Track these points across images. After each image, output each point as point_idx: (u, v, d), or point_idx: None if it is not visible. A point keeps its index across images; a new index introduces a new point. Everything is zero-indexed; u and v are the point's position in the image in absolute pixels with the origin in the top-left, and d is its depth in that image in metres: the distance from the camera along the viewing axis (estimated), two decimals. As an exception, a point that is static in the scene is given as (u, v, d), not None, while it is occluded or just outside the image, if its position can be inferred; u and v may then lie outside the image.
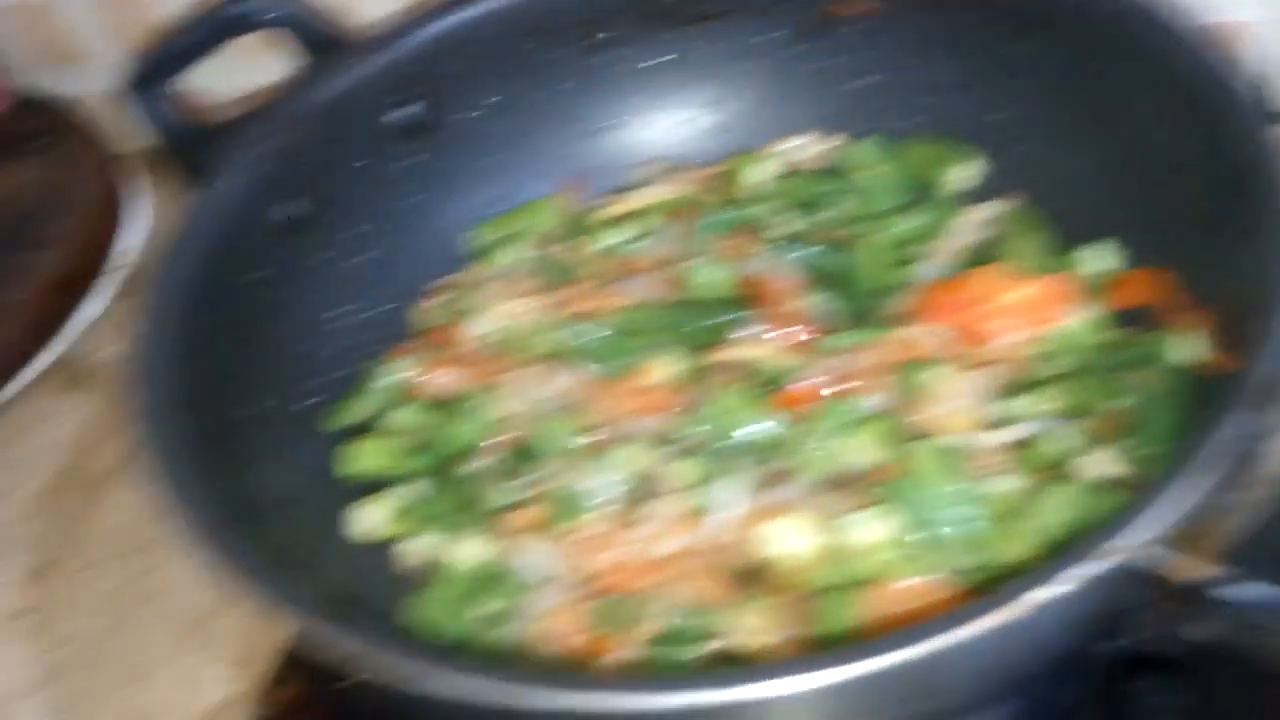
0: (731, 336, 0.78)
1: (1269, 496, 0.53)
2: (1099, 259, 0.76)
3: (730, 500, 0.66)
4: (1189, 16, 0.72)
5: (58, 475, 1.02)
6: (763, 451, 0.71)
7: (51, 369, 1.10)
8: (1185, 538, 0.50)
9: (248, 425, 0.72)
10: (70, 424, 1.06)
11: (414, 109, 0.87)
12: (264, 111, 0.83)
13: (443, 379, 0.78)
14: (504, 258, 0.87)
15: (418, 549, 0.74)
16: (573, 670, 0.64)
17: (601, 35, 0.91)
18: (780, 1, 0.90)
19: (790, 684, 0.48)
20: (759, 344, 0.77)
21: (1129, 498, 0.62)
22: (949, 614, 0.46)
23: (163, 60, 0.83)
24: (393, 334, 0.86)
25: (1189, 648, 0.51)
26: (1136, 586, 0.50)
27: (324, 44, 0.88)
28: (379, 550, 0.75)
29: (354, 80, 0.84)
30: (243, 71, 1.16)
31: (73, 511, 0.98)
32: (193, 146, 0.82)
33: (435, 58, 0.87)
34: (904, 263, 0.83)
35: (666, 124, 0.95)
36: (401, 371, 0.80)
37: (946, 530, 0.64)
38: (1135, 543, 0.47)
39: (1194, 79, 0.70)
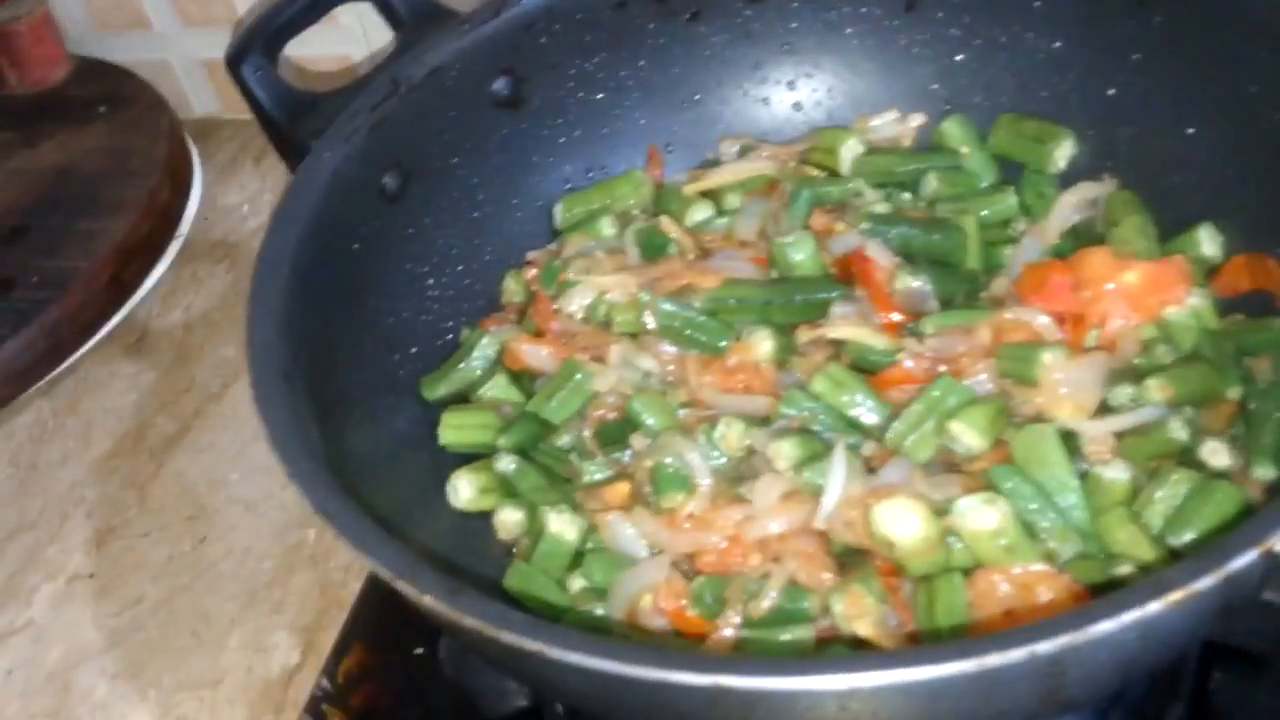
0: (828, 315, 0.78)
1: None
2: (1206, 241, 0.75)
3: (838, 480, 0.65)
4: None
5: (121, 441, 1.04)
6: (864, 433, 0.71)
7: (116, 334, 1.12)
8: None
9: (350, 390, 0.73)
10: (134, 390, 1.08)
11: (507, 81, 0.88)
12: (365, 83, 0.84)
13: (538, 352, 0.78)
14: (597, 229, 0.88)
15: (512, 521, 0.75)
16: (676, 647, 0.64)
17: (693, 8, 0.91)
18: (873, -25, 0.89)
19: (907, 674, 0.47)
20: (856, 323, 0.76)
21: (1239, 491, 0.62)
22: (1099, 603, 0.46)
23: (264, 31, 0.84)
24: (484, 304, 0.87)
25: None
26: (1268, 575, 0.50)
27: (419, 17, 0.90)
28: (481, 520, 0.77)
29: (452, 52, 0.85)
30: (333, 44, 1.18)
31: (135, 477, 1.00)
32: (294, 117, 0.82)
33: (529, 31, 0.88)
34: (1002, 243, 0.83)
35: (749, 99, 0.95)
36: (497, 342, 0.81)
37: (1055, 518, 0.64)
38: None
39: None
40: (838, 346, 0.77)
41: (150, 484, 1.00)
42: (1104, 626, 0.45)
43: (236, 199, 1.25)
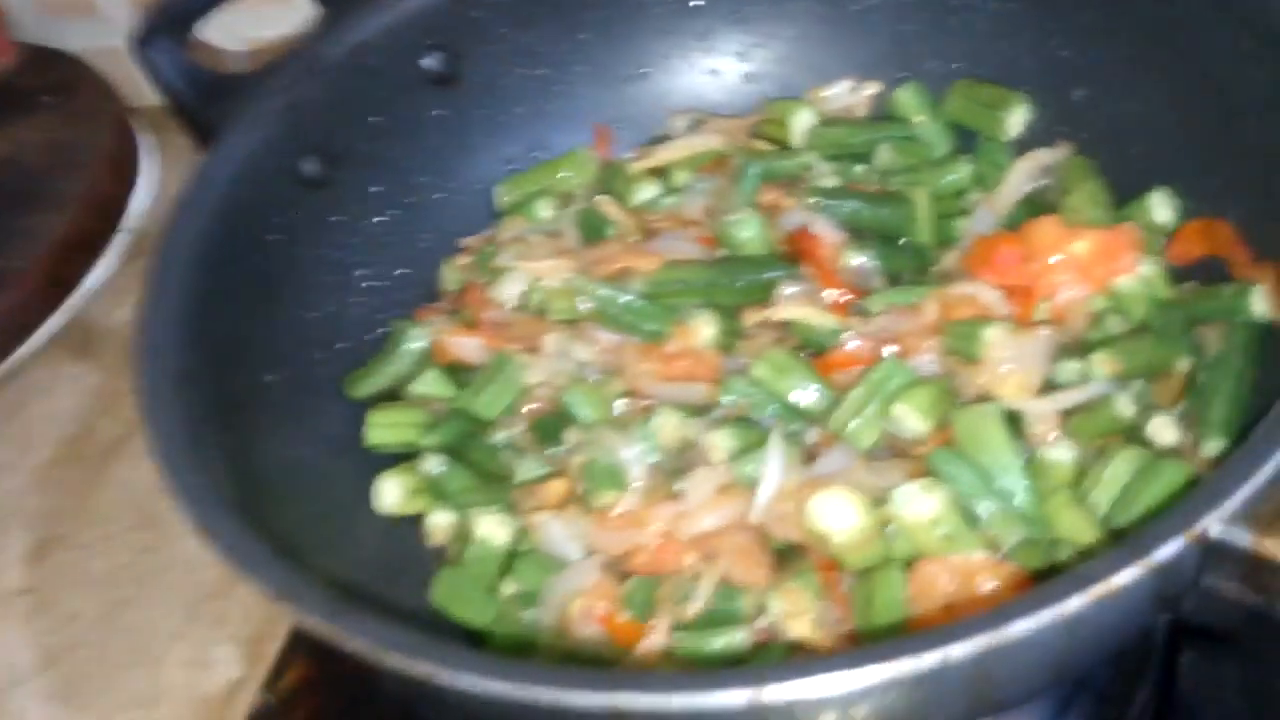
0: (774, 295, 0.76)
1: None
2: (1158, 208, 0.74)
3: (773, 472, 0.64)
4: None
5: (63, 446, 1.02)
6: (807, 419, 0.70)
7: (59, 334, 1.10)
8: (1259, 513, 0.47)
9: (267, 392, 0.71)
10: (77, 392, 1.06)
11: (439, 58, 0.86)
12: (280, 63, 0.81)
13: (467, 344, 0.76)
14: (534, 214, 0.86)
15: (443, 525, 0.73)
16: (594, 665, 0.62)
17: (633, -23, 0.89)
18: (823, -60, 0.87)
19: (838, 681, 0.45)
20: (802, 303, 0.75)
21: (1187, 468, 0.61)
22: (1016, 601, 0.44)
23: (174, 11, 0.81)
24: (421, 293, 0.85)
25: (1247, 619, 0.49)
26: (1204, 561, 0.48)
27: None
28: (409, 524, 0.75)
29: (376, 29, 0.82)
30: (252, 22, 1.15)
31: (77, 485, 0.98)
32: (206, 101, 0.80)
33: (461, 4, 0.85)
34: (955, 215, 0.81)
35: (697, 71, 0.93)
36: (427, 335, 0.79)
37: (1000, 503, 0.62)
38: (1215, 521, 0.45)
39: (1261, 13, 0.67)
40: (785, 328, 0.75)
41: (93, 492, 0.98)
42: (1023, 626, 0.43)
43: (191, 189, 1.23)
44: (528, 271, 0.77)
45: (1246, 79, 0.69)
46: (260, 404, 0.70)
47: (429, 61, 0.85)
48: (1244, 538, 0.45)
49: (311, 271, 0.78)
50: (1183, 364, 0.66)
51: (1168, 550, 0.44)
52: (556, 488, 0.70)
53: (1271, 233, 0.67)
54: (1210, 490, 0.46)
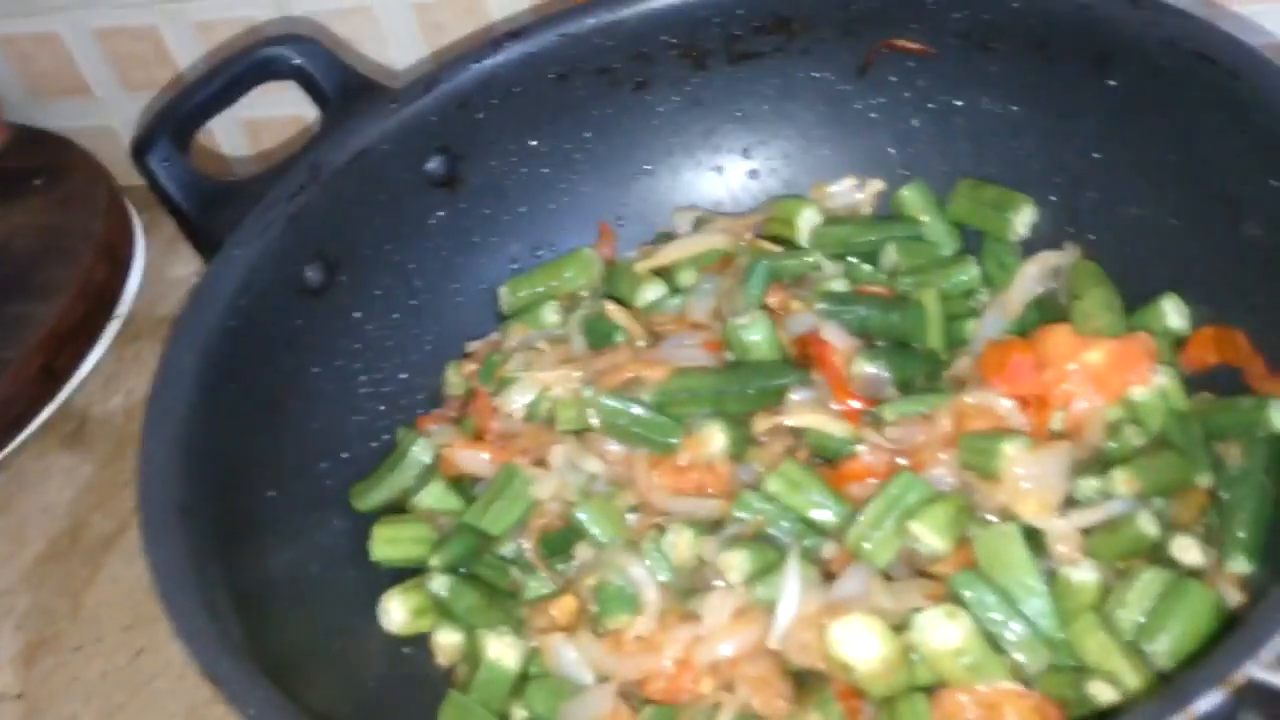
0: (785, 402, 0.76)
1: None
2: (1167, 315, 0.74)
3: (791, 597, 0.63)
4: (1267, 58, 0.70)
5: (54, 542, 1.00)
6: (822, 534, 0.69)
7: (51, 423, 1.09)
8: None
9: (271, 509, 0.71)
10: (69, 485, 1.05)
11: (442, 161, 0.86)
12: (284, 168, 0.81)
13: (474, 457, 0.76)
14: (540, 317, 0.86)
15: (450, 645, 0.72)
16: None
17: (638, 77, 0.90)
18: (825, 41, 0.88)
19: None
20: (814, 411, 0.75)
21: (1213, 591, 0.60)
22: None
23: (174, 118, 0.82)
24: (424, 398, 0.85)
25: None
26: (1240, 701, 0.48)
27: (347, 93, 0.87)
28: (417, 642, 0.74)
29: (380, 134, 0.83)
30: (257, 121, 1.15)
31: (69, 583, 0.97)
32: (208, 211, 0.80)
33: (465, 107, 0.86)
34: (964, 316, 0.81)
35: (703, 169, 0.94)
36: (433, 445, 0.78)
37: (1022, 627, 0.62)
38: (1255, 668, 0.45)
39: (1272, 122, 0.68)
40: (797, 435, 0.75)
41: (85, 590, 0.96)
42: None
43: (184, 271, 1.22)
44: (535, 382, 0.77)
45: (1256, 189, 0.69)
46: (263, 522, 0.69)
47: (433, 164, 0.86)
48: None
49: (315, 381, 0.78)
50: (1204, 480, 0.66)
51: (1208, 701, 0.44)
52: (567, 606, 0.69)
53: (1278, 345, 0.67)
54: (1250, 636, 0.46)
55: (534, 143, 0.89)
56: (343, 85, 0.87)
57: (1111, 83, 0.77)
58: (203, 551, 0.61)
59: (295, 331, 0.77)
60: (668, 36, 0.89)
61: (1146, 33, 0.74)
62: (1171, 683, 0.45)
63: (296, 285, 0.78)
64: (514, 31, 0.87)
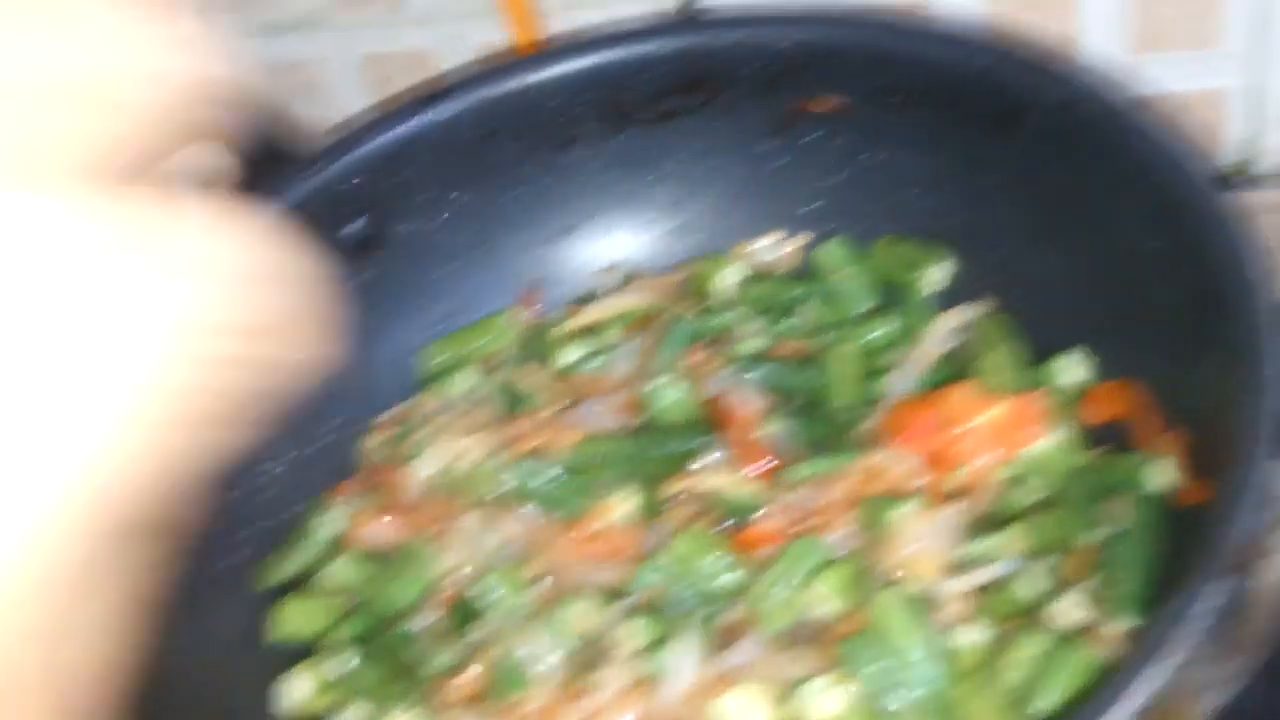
0: (694, 465, 0.78)
1: (1248, 664, 0.52)
2: (1071, 370, 0.76)
3: (681, 667, 0.65)
4: (1167, 122, 0.72)
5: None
6: (721, 602, 0.71)
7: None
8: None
9: (172, 592, 0.71)
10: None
11: (362, 224, 0.88)
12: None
13: (379, 529, 0.77)
14: (455, 384, 0.88)
15: (351, 725, 0.74)
16: None
17: (559, 137, 0.92)
18: (745, 99, 0.90)
19: None
20: (721, 474, 0.77)
21: (1092, 652, 0.62)
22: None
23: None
24: (337, 471, 0.86)
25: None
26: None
27: (262, 161, 0.89)
28: (327, 724, 0.75)
29: (296, 200, 0.85)
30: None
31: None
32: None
33: (387, 168, 0.88)
34: (876, 374, 0.83)
35: (626, 228, 0.96)
36: (339, 518, 0.80)
37: (909, 694, 0.64)
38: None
39: (1170, 184, 0.70)
40: (708, 498, 0.77)
41: None
42: None
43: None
44: (443, 451, 0.79)
45: (1149, 245, 0.72)
46: (161, 605, 0.70)
47: (352, 228, 0.88)
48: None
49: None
50: (1092, 537, 0.68)
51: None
52: (469, 679, 0.70)
53: (1178, 400, 0.69)
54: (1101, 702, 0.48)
55: (455, 205, 0.91)
56: (260, 148, 0.88)
57: (1013, 141, 0.80)
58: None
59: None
60: (591, 97, 0.91)
61: (1046, 93, 0.77)
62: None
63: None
64: (435, 93, 0.89)
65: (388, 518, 0.78)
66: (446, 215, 0.92)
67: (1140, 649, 0.50)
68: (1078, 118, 0.76)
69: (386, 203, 0.89)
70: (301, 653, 0.76)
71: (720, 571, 0.71)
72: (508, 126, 0.90)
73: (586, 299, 0.93)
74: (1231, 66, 0.94)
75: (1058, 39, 0.95)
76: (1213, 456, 0.60)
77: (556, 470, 0.77)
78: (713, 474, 0.77)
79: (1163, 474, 0.67)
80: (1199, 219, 0.67)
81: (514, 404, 0.84)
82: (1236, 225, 0.66)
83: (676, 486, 0.77)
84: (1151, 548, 0.65)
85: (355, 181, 0.87)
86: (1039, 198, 0.80)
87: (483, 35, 1.05)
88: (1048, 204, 0.80)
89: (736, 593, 0.71)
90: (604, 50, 0.89)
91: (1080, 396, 0.76)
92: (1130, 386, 0.73)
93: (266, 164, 0.88)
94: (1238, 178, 0.99)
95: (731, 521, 0.75)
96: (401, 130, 0.88)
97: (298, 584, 0.79)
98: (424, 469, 0.79)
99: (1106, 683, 0.51)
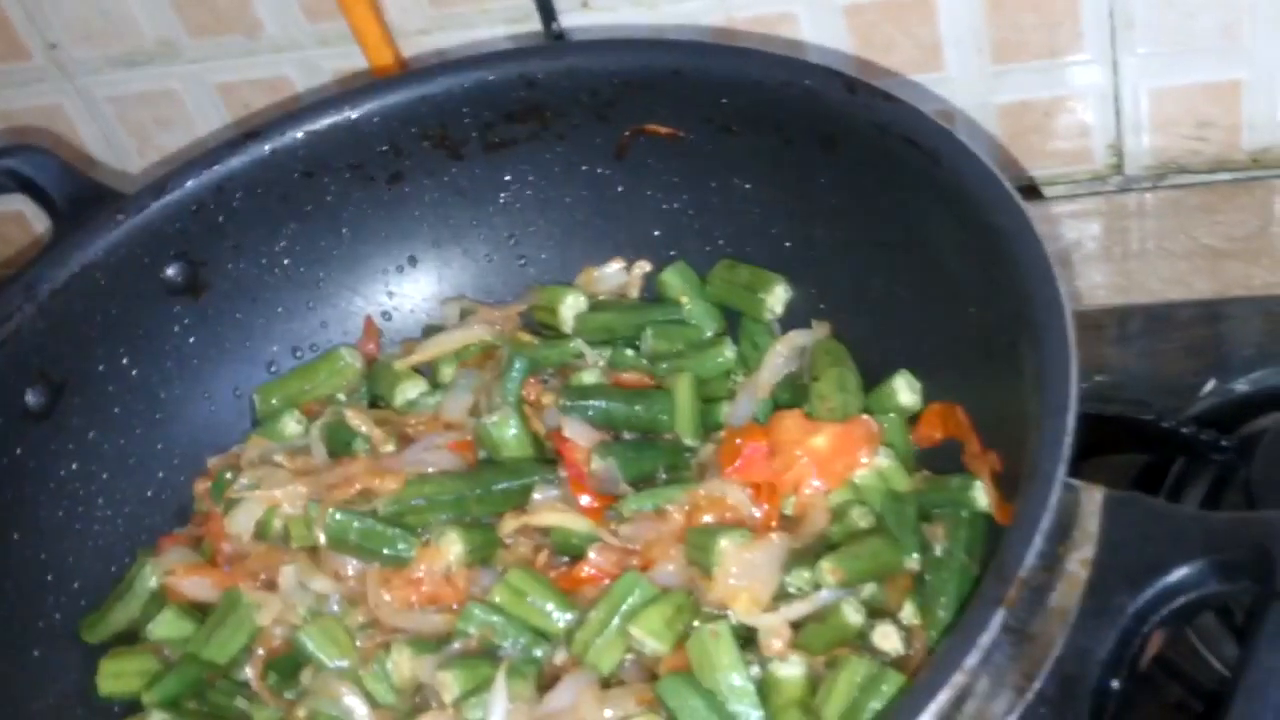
0: (530, 500, 0.77)
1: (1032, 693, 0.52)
2: (899, 393, 0.77)
3: (499, 715, 0.65)
4: (975, 152, 0.73)
5: None
6: (549, 643, 0.71)
7: None
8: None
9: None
10: None
11: (180, 268, 0.87)
12: (-1, 289, 0.81)
13: (196, 583, 0.76)
14: (280, 428, 0.86)
15: (175, 783, 0.72)
16: None
17: (391, 170, 0.91)
18: (579, 127, 0.90)
19: None
20: (556, 510, 0.76)
21: (904, 679, 0.63)
22: None
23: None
24: (169, 516, 0.85)
25: None
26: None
27: (78, 203, 0.87)
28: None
29: (106, 246, 0.83)
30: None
31: None
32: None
33: (201, 211, 0.87)
34: (722, 399, 0.84)
35: (469, 257, 0.95)
36: (162, 570, 0.78)
37: (729, 732, 0.63)
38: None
39: (976, 206, 0.71)
40: (545, 534, 0.77)
41: None
42: None
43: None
44: (261, 500, 0.77)
45: (963, 267, 0.73)
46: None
47: (171, 272, 0.86)
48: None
49: (40, 510, 0.78)
50: (911, 563, 0.69)
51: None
52: (292, 733, 0.69)
53: (994, 422, 0.70)
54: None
55: (284, 242, 0.90)
56: (73, 195, 0.87)
57: (839, 164, 0.81)
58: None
59: (14, 461, 0.77)
60: (417, 129, 0.90)
61: (860, 117, 0.78)
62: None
63: (15, 412, 0.78)
64: (252, 130, 0.88)
65: (201, 573, 0.76)
66: (274, 255, 0.91)
67: (911, 689, 0.50)
68: (891, 141, 0.77)
69: (205, 246, 0.88)
70: (136, 706, 0.75)
71: (547, 613, 0.71)
72: (331, 164, 0.90)
73: (432, 332, 0.93)
74: (1089, 73, 0.97)
75: (916, 52, 0.97)
76: (1018, 477, 0.60)
77: (376, 516, 0.76)
78: (548, 510, 0.76)
79: (979, 496, 0.68)
80: (1003, 240, 0.68)
81: (340, 447, 0.83)
82: (1042, 256, 0.66)
83: (512, 524, 0.76)
84: (966, 571, 0.66)
85: (168, 227, 0.86)
86: (865, 221, 0.81)
87: (339, 62, 1.05)
88: (873, 227, 0.81)
89: (566, 634, 0.70)
90: (426, 82, 0.89)
91: (909, 419, 0.76)
92: (954, 408, 0.74)
93: (78, 215, 0.87)
94: (1107, 180, 1.02)
95: (565, 560, 0.75)
96: (213, 174, 0.87)
97: (129, 637, 0.77)
98: (241, 521, 0.78)
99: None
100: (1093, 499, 0.54)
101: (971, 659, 0.49)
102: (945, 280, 0.75)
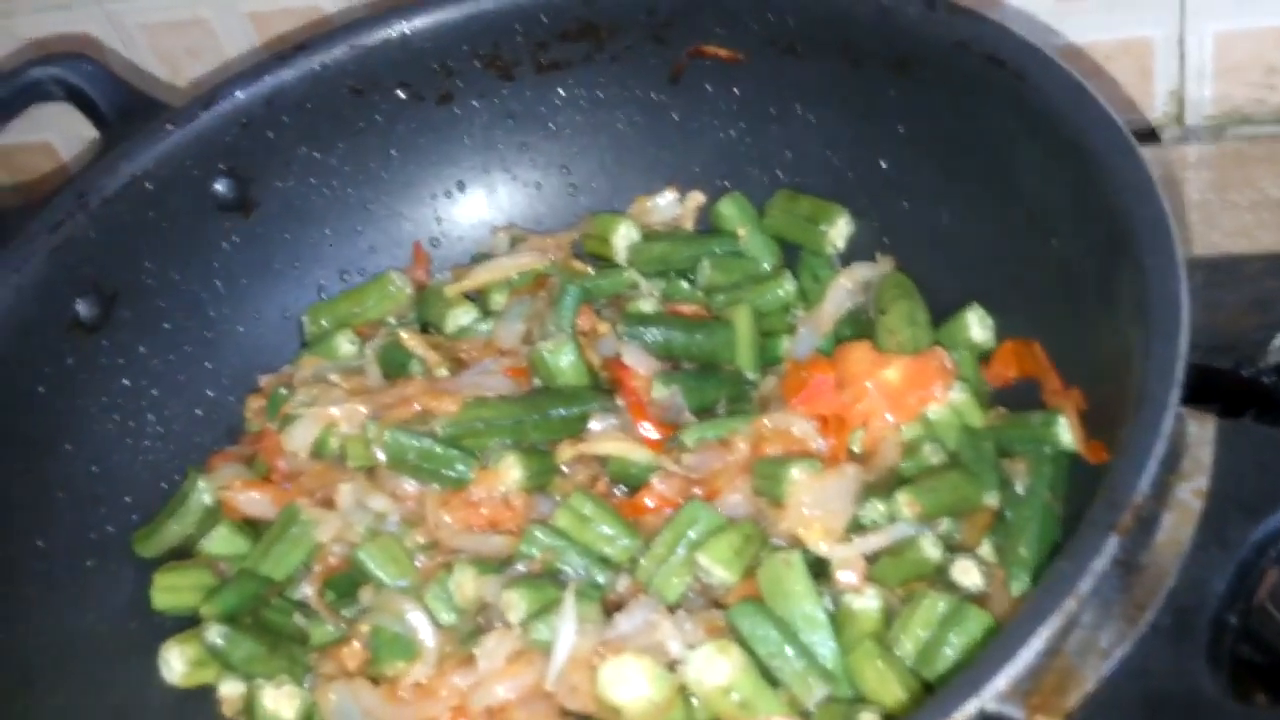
0: (587, 429, 0.75)
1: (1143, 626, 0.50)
2: (970, 327, 0.75)
3: (565, 638, 0.63)
4: (1065, 67, 0.70)
5: None
6: (614, 569, 0.69)
7: None
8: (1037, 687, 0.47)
9: (39, 560, 0.68)
10: None
11: (229, 183, 0.85)
12: (51, 195, 0.79)
13: (254, 499, 0.74)
14: (334, 348, 0.84)
15: (232, 696, 0.71)
16: None
17: (441, 90, 0.89)
18: (634, 48, 0.88)
19: None
20: (615, 439, 0.75)
21: (988, 616, 0.60)
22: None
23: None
24: (223, 434, 0.83)
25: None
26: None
27: (125, 112, 0.85)
28: (200, 696, 0.72)
29: (155, 156, 0.81)
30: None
31: None
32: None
33: (250, 125, 0.84)
34: (780, 333, 0.82)
35: (519, 184, 0.93)
36: (217, 486, 0.77)
37: (799, 660, 0.62)
38: (988, 701, 0.45)
39: (1075, 133, 0.68)
40: (602, 463, 0.74)
41: None
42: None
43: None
44: (318, 418, 0.75)
45: (1048, 193, 0.70)
46: (29, 573, 0.67)
47: (219, 187, 0.84)
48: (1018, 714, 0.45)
49: (91, 422, 0.76)
50: (990, 499, 0.67)
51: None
52: (353, 652, 0.68)
53: (1076, 357, 0.68)
54: (975, 674, 0.46)
55: (333, 162, 0.88)
56: (122, 106, 0.85)
57: (912, 87, 0.78)
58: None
59: (65, 371, 0.75)
60: (469, 47, 0.88)
61: (940, 36, 0.75)
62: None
63: (66, 321, 0.76)
64: (301, 44, 0.86)
65: (260, 489, 0.75)
66: (323, 175, 0.88)
67: (1020, 614, 0.48)
68: (973, 61, 0.73)
69: (254, 162, 0.85)
70: (189, 622, 0.73)
71: (609, 539, 0.69)
72: (381, 81, 0.87)
73: (481, 259, 0.90)
74: (1154, 18, 0.93)
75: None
76: (1111, 413, 0.58)
77: (436, 437, 0.74)
78: (606, 438, 0.74)
79: (1063, 433, 0.66)
80: (1105, 168, 0.65)
81: (395, 369, 0.82)
82: (1143, 173, 0.63)
83: (569, 452, 0.75)
84: (1049, 509, 0.64)
85: (216, 141, 0.83)
86: (939, 148, 0.78)
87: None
88: (948, 154, 0.78)
89: (629, 561, 0.69)
90: (480, -1, 0.85)
91: (981, 355, 0.74)
92: (1031, 345, 0.71)
93: (126, 126, 0.84)
94: (1166, 130, 0.98)
95: (627, 488, 0.73)
96: (262, 87, 0.84)
97: (182, 553, 0.76)
98: (298, 438, 0.76)
99: (985, 649, 0.49)
100: (1205, 427, 0.51)
101: (1084, 584, 0.46)
102: (1024, 210, 0.73)
